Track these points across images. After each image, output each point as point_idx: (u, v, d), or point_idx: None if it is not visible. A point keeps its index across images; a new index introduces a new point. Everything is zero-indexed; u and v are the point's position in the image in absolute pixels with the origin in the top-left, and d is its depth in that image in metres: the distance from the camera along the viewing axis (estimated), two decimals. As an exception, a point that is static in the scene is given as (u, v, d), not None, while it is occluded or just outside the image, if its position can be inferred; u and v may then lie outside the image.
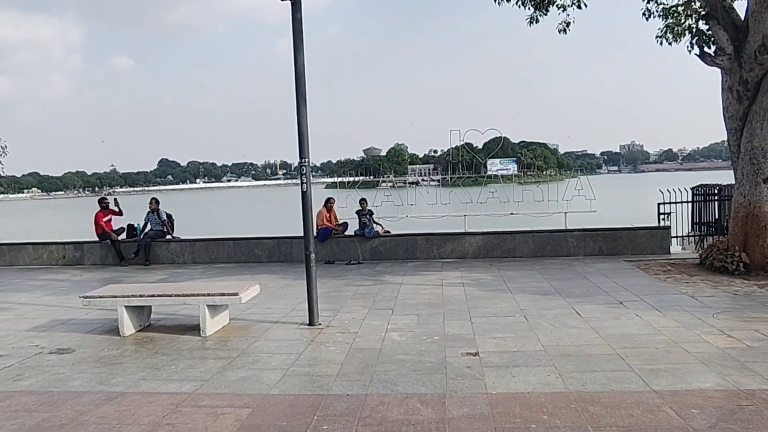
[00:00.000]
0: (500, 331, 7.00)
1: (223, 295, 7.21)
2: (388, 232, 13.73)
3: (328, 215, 13.54)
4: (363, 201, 13.79)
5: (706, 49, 10.34)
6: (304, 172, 7.44)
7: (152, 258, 13.97)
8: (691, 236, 14.19)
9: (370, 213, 13.65)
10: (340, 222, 13.80)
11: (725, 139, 10.54)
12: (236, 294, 7.19)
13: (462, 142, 14.27)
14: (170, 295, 7.28)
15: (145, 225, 14.36)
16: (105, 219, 14.28)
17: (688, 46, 10.55)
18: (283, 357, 6.30)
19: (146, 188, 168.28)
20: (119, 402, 5.13)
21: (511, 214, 14.50)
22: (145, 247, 13.92)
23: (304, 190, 7.47)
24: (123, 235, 14.44)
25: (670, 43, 10.89)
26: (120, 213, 14.64)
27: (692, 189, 14.46)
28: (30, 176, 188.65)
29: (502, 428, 4.32)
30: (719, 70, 10.28)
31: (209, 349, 6.73)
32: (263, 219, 38.04)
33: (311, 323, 7.59)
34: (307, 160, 7.44)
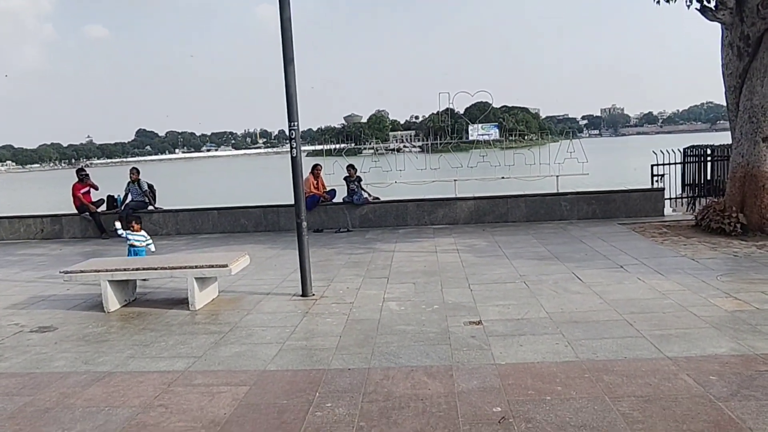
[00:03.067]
0: (501, 299, 6.77)
1: (212, 266, 6.89)
2: (377, 198, 13.41)
3: (315, 182, 13.17)
4: (351, 167, 13.43)
5: (706, 3, 10.00)
6: (293, 136, 7.07)
7: (135, 230, 13.54)
8: (682, 198, 14.05)
9: (359, 179, 13.29)
10: (328, 189, 13.44)
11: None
12: (226, 265, 6.87)
13: (451, 104, 13.94)
14: (156, 268, 6.94)
15: (125, 196, 13.89)
16: (83, 191, 13.78)
17: (687, 1, 10.19)
18: (277, 330, 6.02)
19: (124, 159, 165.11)
20: (107, 383, 4.83)
21: (502, 178, 14.23)
22: (126, 219, 13.44)
23: (294, 155, 7.11)
24: (103, 207, 13.98)
25: (667, 1, 10.51)
26: (95, 187, 14.15)
27: (683, 150, 14.27)
28: (4, 149, 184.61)
29: (516, 401, 4.09)
30: (717, 26, 9.97)
31: (199, 323, 6.43)
32: (247, 188, 37.49)
33: (304, 294, 7.30)
34: (296, 123, 7.07)
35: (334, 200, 13.35)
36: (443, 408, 4.04)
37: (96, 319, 6.79)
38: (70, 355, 5.58)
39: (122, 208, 13.66)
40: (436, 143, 15.60)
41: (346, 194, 13.26)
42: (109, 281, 6.95)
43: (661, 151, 13.45)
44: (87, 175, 14.16)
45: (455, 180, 14.20)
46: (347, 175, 13.31)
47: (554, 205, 12.71)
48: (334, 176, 13.96)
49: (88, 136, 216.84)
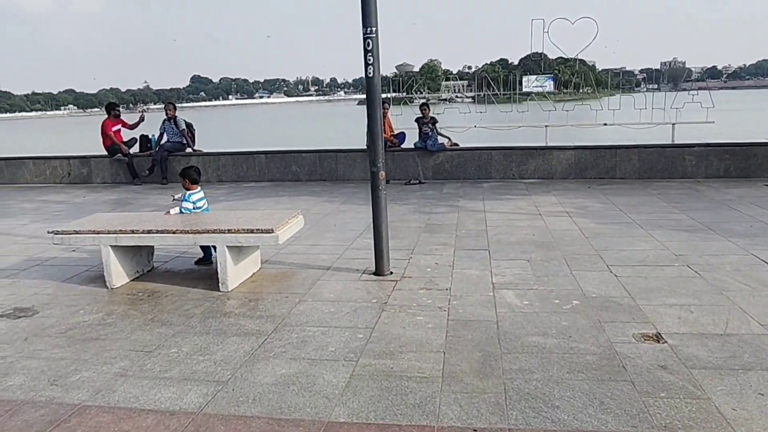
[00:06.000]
0: (670, 293, 4.57)
1: (252, 232, 4.87)
2: (456, 144, 11.15)
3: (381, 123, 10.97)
4: (424, 107, 11.17)
5: None
6: (370, 48, 4.91)
7: (170, 175, 11.70)
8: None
9: (434, 121, 11.03)
10: (396, 132, 11.23)
11: None
12: (271, 231, 4.85)
13: (547, 32, 11.45)
14: (174, 232, 4.96)
15: (160, 136, 12.01)
16: (114, 128, 11.96)
17: None
18: (345, 335, 4.00)
19: (179, 105, 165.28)
20: (71, 431, 2.90)
21: (605, 124, 11.79)
22: (161, 162, 11.64)
23: (371, 75, 4.96)
24: (135, 148, 12.17)
25: None
26: (131, 127, 12.32)
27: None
28: (66, 93, 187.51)
29: None
30: None
31: (231, 314, 4.46)
32: (300, 135, 35.50)
33: (379, 272, 5.26)
34: (374, 29, 4.90)
35: (403, 145, 11.17)
36: None
37: (94, 298, 4.91)
38: (37, 364, 3.69)
39: (156, 149, 11.83)
40: (496, 93, 13.49)
41: (417, 139, 11.06)
42: (112, 246, 5.04)
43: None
44: (142, 114, 12.36)
45: (546, 126, 11.86)
46: (420, 115, 11.06)
47: (676, 159, 10.26)
48: (401, 117, 11.77)
49: (145, 82, 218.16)
